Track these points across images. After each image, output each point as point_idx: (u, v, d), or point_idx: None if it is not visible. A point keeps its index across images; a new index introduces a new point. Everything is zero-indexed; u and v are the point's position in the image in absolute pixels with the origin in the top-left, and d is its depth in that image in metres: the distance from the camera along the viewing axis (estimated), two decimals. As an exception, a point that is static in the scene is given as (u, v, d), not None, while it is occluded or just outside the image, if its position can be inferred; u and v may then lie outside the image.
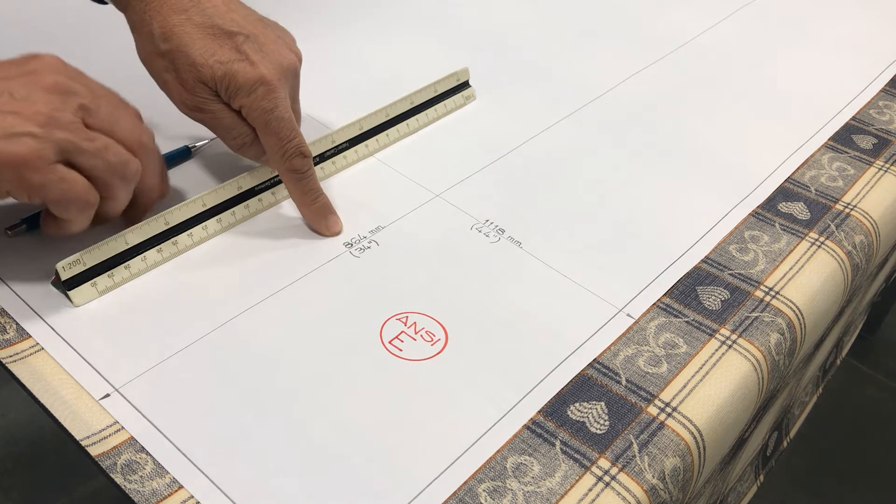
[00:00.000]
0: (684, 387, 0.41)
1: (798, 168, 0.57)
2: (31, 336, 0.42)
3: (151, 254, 0.46)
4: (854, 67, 0.69)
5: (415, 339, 0.43)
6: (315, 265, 0.47)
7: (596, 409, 0.40)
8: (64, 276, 0.43)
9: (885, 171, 0.57)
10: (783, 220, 0.52)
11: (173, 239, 0.47)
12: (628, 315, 0.45)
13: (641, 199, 0.54)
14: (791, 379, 0.55)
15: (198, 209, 0.48)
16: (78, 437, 0.37)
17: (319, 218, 0.49)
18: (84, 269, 0.44)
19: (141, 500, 0.35)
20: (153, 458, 0.37)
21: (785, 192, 0.55)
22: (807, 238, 0.51)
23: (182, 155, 0.54)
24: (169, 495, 0.35)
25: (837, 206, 0.54)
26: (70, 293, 0.43)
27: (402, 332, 0.43)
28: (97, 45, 0.65)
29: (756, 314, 0.46)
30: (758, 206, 0.53)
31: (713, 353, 0.43)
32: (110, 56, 0.64)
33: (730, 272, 0.48)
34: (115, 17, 0.72)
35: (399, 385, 0.41)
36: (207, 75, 0.45)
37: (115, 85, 0.61)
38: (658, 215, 0.52)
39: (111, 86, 0.60)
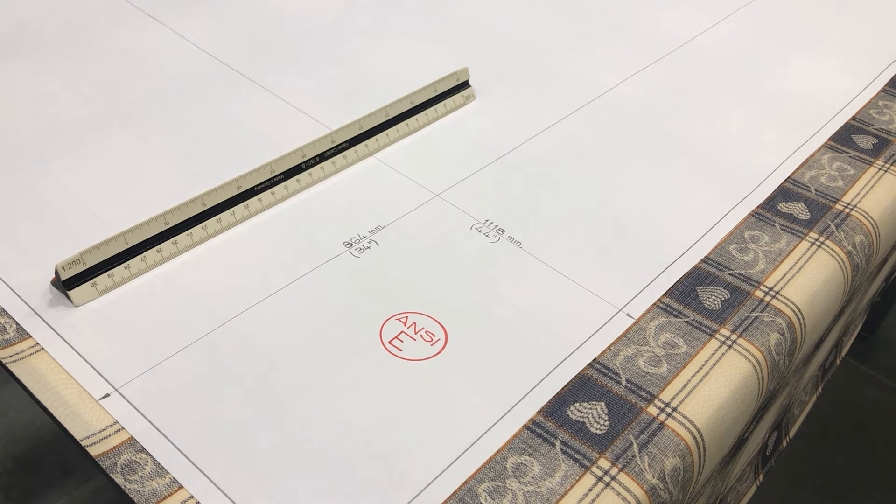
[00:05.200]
0: (684, 387, 0.41)
1: (798, 168, 0.57)
2: (31, 336, 0.42)
3: (151, 254, 0.46)
4: (854, 67, 0.69)
5: (415, 339, 0.43)
6: (315, 265, 0.47)
7: (596, 409, 0.40)
8: (64, 275, 0.43)
9: (885, 171, 0.57)
10: (783, 220, 0.52)
11: (173, 239, 0.47)
12: (628, 315, 0.45)
13: (641, 199, 0.54)
14: (791, 379, 0.55)
15: (198, 209, 0.48)
16: (78, 437, 0.37)
17: None
18: (84, 268, 0.44)
19: (141, 500, 0.35)
20: (153, 458, 0.37)
21: (785, 192, 0.55)
22: (807, 238, 0.51)
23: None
24: (169, 495, 0.35)
25: (837, 206, 0.54)
26: (70, 293, 0.43)
27: (402, 332, 0.43)
28: (96, 45, 0.65)
29: (756, 314, 0.46)
30: (758, 206, 0.53)
31: (713, 353, 0.43)
32: (108, 56, 0.64)
33: (730, 272, 0.48)
34: (113, 17, 0.72)
35: (399, 385, 0.41)
36: None
37: (115, 85, 0.61)
38: (658, 215, 0.52)
39: (108, 86, 0.60)
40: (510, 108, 0.61)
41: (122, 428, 0.38)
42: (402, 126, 0.57)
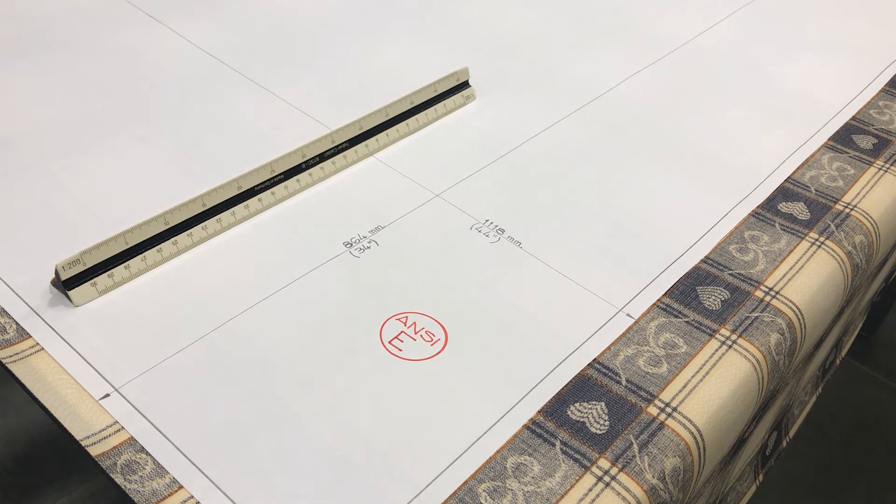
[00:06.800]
0: (684, 387, 0.41)
1: (798, 168, 0.57)
2: (31, 336, 0.42)
3: (151, 254, 0.46)
4: (854, 67, 0.69)
5: (415, 339, 0.43)
6: (315, 265, 0.47)
7: (596, 409, 0.40)
8: (64, 275, 0.43)
9: (885, 171, 0.57)
10: (783, 220, 0.52)
11: (173, 239, 0.47)
12: (628, 315, 0.45)
13: (641, 199, 0.54)
14: (791, 379, 0.55)
15: (198, 209, 0.48)
16: (78, 437, 0.37)
17: None
18: (84, 268, 0.44)
19: (141, 500, 0.35)
20: (153, 458, 0.37)
21: (785, 192, 0.55)
22: (807, 238, 0.51)
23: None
24: (169, 495, 0.35)
25: (837, 206, 0.54)
26: (70, 293, 0.43)
27: (402, 332, 0.43)
28: (96, 45, 0.65)
29: (756, 314, 0.46)
30: (758, 206, 0.53)
31: (713, 353, 0.43)
32: (109, 56, 0.64)
33: (730, 272, 0.48)
34: (113, 17, 0.72)
35: (399, 385, 0.41)
36: None
37: (115, 85, 0.61)
38: (658, 215, 0.52)
39: (110, 86, 0.60)
40: (510, 108, 0.61)
41: (122, 428, 0.38)
42: (402, 126, 0.57)
